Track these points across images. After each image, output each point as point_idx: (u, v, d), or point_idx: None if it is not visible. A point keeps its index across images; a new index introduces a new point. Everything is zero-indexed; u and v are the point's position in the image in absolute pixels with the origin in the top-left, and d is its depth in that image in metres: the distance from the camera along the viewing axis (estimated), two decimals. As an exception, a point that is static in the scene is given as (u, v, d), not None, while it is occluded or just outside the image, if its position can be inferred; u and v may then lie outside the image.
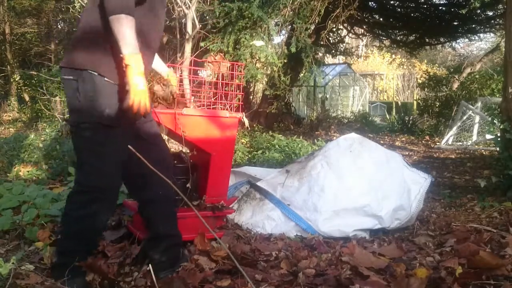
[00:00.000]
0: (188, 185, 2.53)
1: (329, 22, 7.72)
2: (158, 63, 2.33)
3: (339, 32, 10.74)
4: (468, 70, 12.67)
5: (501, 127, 3.56)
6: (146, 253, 2.20)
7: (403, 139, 9.50)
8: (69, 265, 1.86)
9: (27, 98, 13.24)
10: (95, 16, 1.79)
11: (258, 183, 3.08)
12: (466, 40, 14.77)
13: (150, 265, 1.94)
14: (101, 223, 1.94)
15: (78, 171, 1.93)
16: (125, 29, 1.66)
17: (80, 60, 1.80)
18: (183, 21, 5.28)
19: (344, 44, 11.50)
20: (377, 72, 22.39)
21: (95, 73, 1.76)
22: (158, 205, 2.10)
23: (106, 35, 1.75)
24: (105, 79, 1.78)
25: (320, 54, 9.64)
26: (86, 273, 1.92)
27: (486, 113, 7.58)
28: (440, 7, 10.29)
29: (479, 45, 22.88)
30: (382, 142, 8.45)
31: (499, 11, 9.09)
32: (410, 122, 11.01)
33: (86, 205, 1.85)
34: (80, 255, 1.89)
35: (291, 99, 12.77)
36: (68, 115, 2.03)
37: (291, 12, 6.54)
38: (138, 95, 1.72)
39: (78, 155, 1.92)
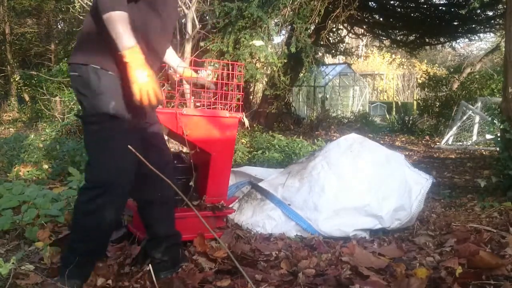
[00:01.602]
0: (191, 183, 2.54)
1: (329, 22, 7.73)
2: (171, 59, 2.37)
3: (339, 32, 10.75)
4: (468, 70, 12.68)
5: (501, 127, 3.56)
6: (146, 253, 2.20)
7: (403, 139, 9.51)
8: (75, 264, 1.85)
9: (27, 98, 13.26)
10: (97, 14, 1.80)
11: (260, 184, 3.08)
12: (466, 40, 14.81)
13: (150, 265, 1.94)
14: (107, 221, 1.87)
15: (86, 167, 1.91)
16: (117, 26, 1.65)
17: (83, 56, 1.81)
18: (183, 21, 5.28)
19: (344, 44, 11.50)
20: (377, 72, 22.40)
21: (97, 67, 1.77)
22: (158, 207, 2.10)
23: (106, 33, 1.75)
24: (109, 72, 1.79)
25: (320, 54, 9.63)
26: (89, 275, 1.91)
27: (486, 113, 7.57)
28: (440, 7, 10.30)
29: (479, 45, 22.90)
30: (382, 142, 8.44)
31: (499, 11, 9.09)
32: (410, 122, 11.02)
33: (92, 200, 1.81)
34: (86, 255, 1.88)
35: (291, 99, 12.77)
36: (74, 113, 2.04)
37: (291, 12, 6.55)
38: (144, 87, 1.70)
39: (87, 150, 1.91)
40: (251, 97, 10.85)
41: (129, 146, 1.60)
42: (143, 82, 1.70)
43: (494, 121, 3.69)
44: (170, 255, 2.13)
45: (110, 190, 1.82)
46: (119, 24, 1.65)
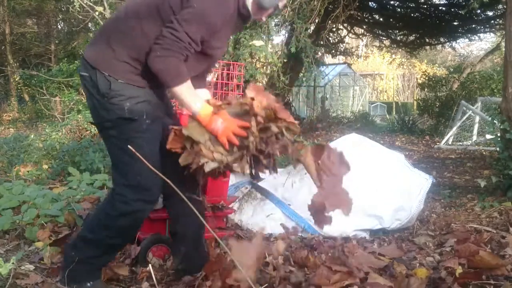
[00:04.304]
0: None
1: (329, 22, 7.73)
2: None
3: (339, 32, 10.74)
4: (468, 70, 12.66)
5: (501, 127, 3.55)
6: (146, 253, 2.20)
7: (403, 139, 9.50)
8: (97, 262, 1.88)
9: (27, 98, 13.27)
10: (126, 25, 1.78)
11: (259, 184, 3.08)
12: (466, 40, 14.77)
13: (150, 265, 1.94)
14: (141, 220, 1.90)
15: (114, 172, 1.87)
16: (186, 96, 1.74)
17: (95, 55, 1.79)
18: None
19: (344, 44, 11.49)
20: (377, 72, 22.39)
21: (105, 73, 1.74)
22: (178, 202, 1.95)
23: (128, 43, 1.76)
24: (119, 81, 1.75)
25: (320, 54, 9.62)
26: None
27: (486, 113, 7.57)
28: (440, 7, 10.29)
29: (479, 45, 22.93)
30: (382, 142, 8.42)
31: (499, 11, 9.08)
32: (410, 122, 11.01)
33: (128, 204, 1.80)
34: (110, 252, 1.91)
35: (291, 99, 12.76)
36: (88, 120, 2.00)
37: (291, 12, 6.54)
38: (226, 133, 1.74)
39: (111, 155, 1.88)
40: (251, 97, 10.83)
41: (129, 146, 1.58)
42: (223, 130, 1.74)
43: (494, 121, 3.69)
44: (186, 262, 2.06)
45: (146, 191, 1.82)
46: (187, 93, 1.74)
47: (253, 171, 1.88)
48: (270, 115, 1.80)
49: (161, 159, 1.85)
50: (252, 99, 1.79)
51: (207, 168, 1.79)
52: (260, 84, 10.50)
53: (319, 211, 1.84)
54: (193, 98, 1.76)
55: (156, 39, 1.70)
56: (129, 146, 1.60)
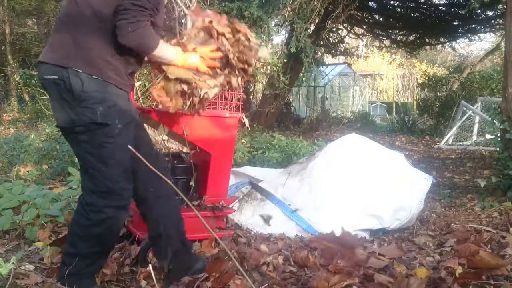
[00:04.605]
0: (191, 183, 2.54)
1: (329, 22, 7.73)
2: None
3: (339, 32, 10.74)
4: (468, 70, 12.66)
5: (501, 127, 3.55)
6: (146, 253, 2.20)
7: (403, 139, 9.50)
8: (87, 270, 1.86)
9: (27, 98, 13.25)
10: (83, 16, 1.74)
11: (260, 184, 3.08)
12: (466, 40, 14.78)
13: (150, 265, 1.94)
14: (118, 225, 1.89)
15: (83, 178, 1.84)
16: (165, 52, 1.85)
17: (63, 57, 1.72)
18: (183, 21, 5.27)
19: (344, 44, 11.48)
20: (377, 72, 22.39)
21: (79, 70, 1.70)
22: (153, 202, 2.00)
23: (95, 33, 1.72)
24: (93, 76, 1.71)
25: (320, 54, 9.62)
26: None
27: (486, 113, 7.57)
28: (440, 7, 10.29)
29: (479, 45, 22.94)
30: (382, 142, 8.42)
31: (499, 11, 9.08)
32: (410, 122, 11.01)
33: (101, 211, 1.78)
34: (96, 259, 1.89)
35: (291, 99, 12.76)
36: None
37: (291, 12, 6.54)
38: (202, 61, 1.94)
39: (82, 160, 1.83)
40: (251, 97, 10.84)
41: (129, 146, 1.56)
42: (200, 60, 1.94)
43: (494, 121, 3.69)
44: (177, 261, 2.01)
45: (117, 196, 1.79)
46: (164, 50, 1.84)
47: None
48: (234, 29, 2.01)
49: (134, 162, 1.83)
50: (211, 22, 1.99)
51: (211, 95, 2.01)
52: (260, 84, 10.51)
53: None
54: (167, 50, 1.87)
55: (120, 14, 1.68)
56: (129, 146, 1.56)
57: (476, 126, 8.34)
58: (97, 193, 1.78)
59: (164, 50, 1.84)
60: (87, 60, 1.71)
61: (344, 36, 11.30)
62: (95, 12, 1.73)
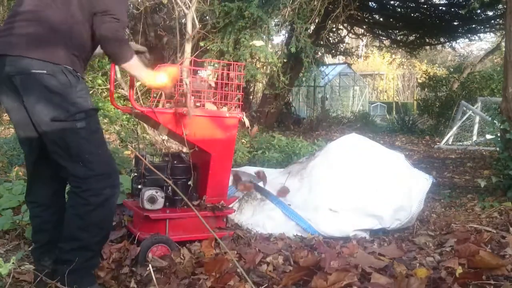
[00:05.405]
0: (190, 182, 2.53)
1: (329, 22, 7.72)
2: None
3: (339, 32, 10.74)
4: (468, 70, 12.66)
5: (501, 127, 3.55)
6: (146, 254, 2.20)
7: (403, 139, 9.50)
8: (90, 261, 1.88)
9: (27, 98, 13.23)
10: (69, 15, 1.80)
11: (260, 184, 3.08)
12: (466, 40, 14.79)
13: (150, 265, 1.94)
14: (114, 206, 1.96)
15: (77, 168, 1.83)
16: (137, 68, 1.97)
17: (54, 54, 1.77)
18: (183, 21, 5.28)
19: (344, 44, 11.48)
20: (377, 72, 22.39)
21: (70, 68, 1.81)
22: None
23: (81, 37, 1.85)
24: (78, 73, 1.85)
25: (320, 54, 9.63)
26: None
27: (486, 113, 7.57)
28: (440, 7, 10.29)
29: (479, 45, 22.95)
30: (382, 142, 8.42)
31: (499, 11, 9.08)
32: (410, 122, 11.02)
33: (100, 194, 1.84)
34: (98, 249, 1.93)
35: (291, 99, 12.76)
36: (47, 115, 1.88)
37: (291, 12, 6.54)
38: (168, 81, 2.14)
39: (77, 148, 1.82)
40: (251, 97, 10.84)
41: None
42: (164, 82, 2.13)
43: (494, 121, 3.69)
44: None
45: (112, 177, 1.90)
46: (137, 66, 1.97)
47: None
48: None
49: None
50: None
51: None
52: (260, 84, 10.50)
53: None
54: (138, 68, 1.98)
55: (102, 29, 1.81)
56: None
57: (476, 126, 8.34)
58: (92, 178, 1.84)
59: (134, 67, 1.96)
60: (67, 55, 1.82)
61: (344, 36, 11.30)
62: (72, 12, 1.82)
